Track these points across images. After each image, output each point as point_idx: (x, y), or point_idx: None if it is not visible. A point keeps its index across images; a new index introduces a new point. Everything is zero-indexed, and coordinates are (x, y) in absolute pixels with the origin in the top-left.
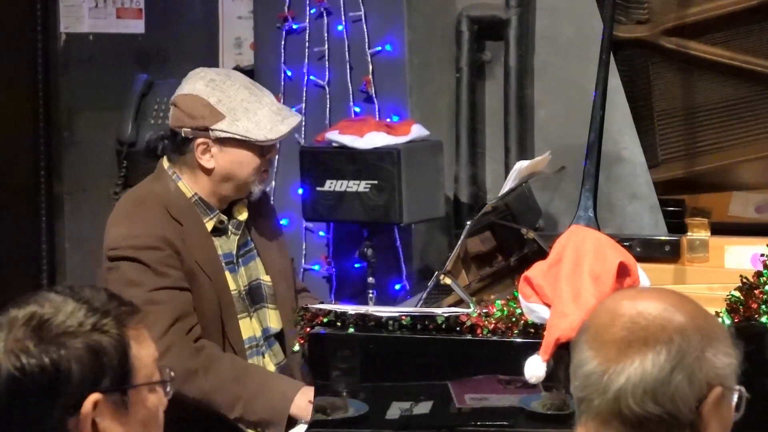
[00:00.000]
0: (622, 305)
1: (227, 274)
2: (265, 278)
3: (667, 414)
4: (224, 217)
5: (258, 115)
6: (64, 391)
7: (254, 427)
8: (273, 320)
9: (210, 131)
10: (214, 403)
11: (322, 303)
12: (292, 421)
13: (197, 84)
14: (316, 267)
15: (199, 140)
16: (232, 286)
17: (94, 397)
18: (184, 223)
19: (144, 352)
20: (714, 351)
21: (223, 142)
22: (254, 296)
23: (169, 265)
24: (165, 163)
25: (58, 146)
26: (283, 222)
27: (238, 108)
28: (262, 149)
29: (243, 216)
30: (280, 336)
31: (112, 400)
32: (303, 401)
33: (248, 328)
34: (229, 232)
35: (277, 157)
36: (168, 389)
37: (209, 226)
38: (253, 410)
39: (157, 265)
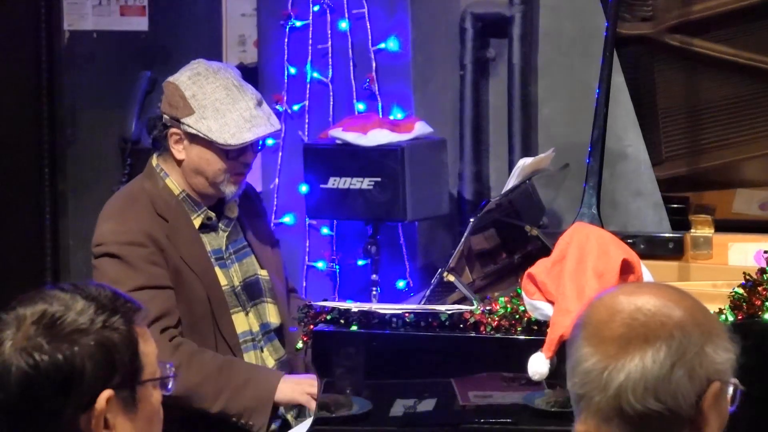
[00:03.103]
0: (620, 301)
1: (217, 269)
2: (262, 272)
3: (668, 410)
4: (212, 214)
5: (226, 117)
6: (77, 389)
7: (237, 418)
8: (272, 315)
9: (180, 123)
10: (197, 398)
11: (326, 300)
12: (274, 410)
13: (184, 74)
14: (320, 264)
15: (172, 130)
16: (223, 281)
17: (107, 393)
18: (170, 219)
19: (149, 349)
20: (714, 346)
21: (191, 137)
22: (252, 291)
23: (151, 262)
24: (154, 160)
25: (61, 144)
26: (287, 219)
27: (208, 107)
28: (227, 153)
29: (233, 213)
30: (279, 331)
31: (122, 397)
32: (287, 387)
33: (243, 322)
34: (219, 229)
35: (280, 154)
36: (170, 386)
37: (197, 222)
38: (237, 400)
39: (139, 263)
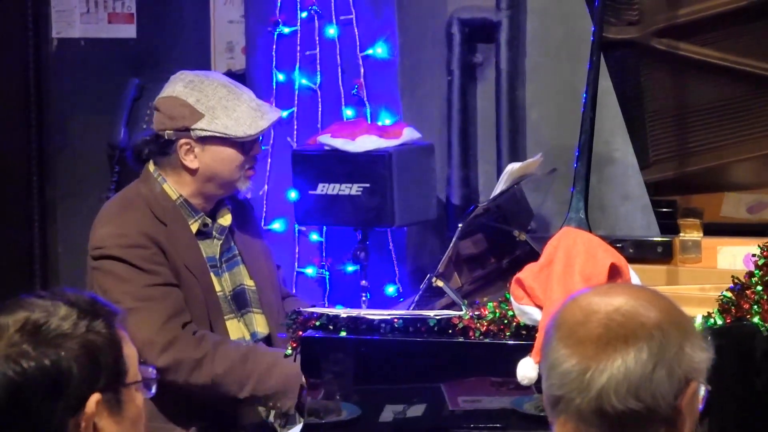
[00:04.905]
0: (596, 302)
1: (212, 276)
2: (249, 283)
3: (647, 409)
4: (208, 220)
5: (237, 111)
6: (65, 393)
7: (265, 402)
8: (260, 324)
9: (191, 131)
10: (225, 386)
11: (314, 306)
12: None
13: (177, 86)
14: (310, 270)
15: (182, 141)
16: (217, 287)
17: (96, 396)
18: (168, 224)
19: (131, 352)
20: (691, 346)
21: (205, 140)
22: (239, 301)
23: (156, 262)
24: (151, 166)
25: (50, 151)
26: (276, 226)
27: (216, 106)
28: (243, 146)
29: (226, 221)
30: (268, 341)
31: (108, 399)
32: None
33: (236, 329)
34: (213, 237)
35: (269, 160)
36: (153, 388)
37: (194, 228)
38: (264, 385)
39: (144, 264)
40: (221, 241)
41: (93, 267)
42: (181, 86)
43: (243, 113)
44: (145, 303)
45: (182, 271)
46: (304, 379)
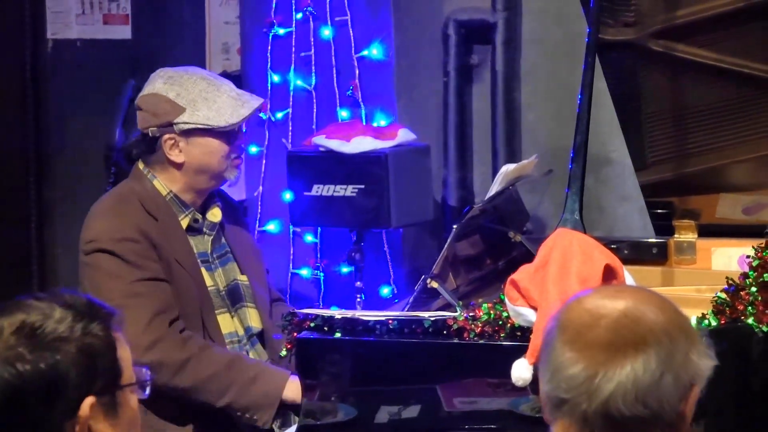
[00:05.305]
0: (604, 305)
1: (203, 270)
2: (242, 278)
3: (652, 415)
4: (199, 215)
5: (217, 102)
6: (62, 396)
7: (243, 412)
8: (254, 319)
9: (174, 125)
10: (205, 391)
11: (310, 308)
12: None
13: (156, 83)
14: (305, 271)
15: (166, 136)
16: (208, 282)
17: (91, 399)
18: (159, 218)
19: (126, 354)
20: (698, 353)
21: (188, 134)
22: (234, 296)
23: (147, 257)
24: (140, 164)
25: (47, 152)
26: (271, 227)
27: (197, 99)
28: (227, 135)
29: (216, 217)
30: (261, 336)
31: (103, 402)
32: (295, 387)
33: (228, 323)
34: (204, 232)
35: (264, 162)
36: (147, 390)
37: (184, 223)
38: (245, 396)
39: (135, 258)
40: (212, 237)
41: (84, 263)
42: (160, 83)
43: (224, 103)
44: (133, 300)
45: (173, 265)
46: (288, 392)
